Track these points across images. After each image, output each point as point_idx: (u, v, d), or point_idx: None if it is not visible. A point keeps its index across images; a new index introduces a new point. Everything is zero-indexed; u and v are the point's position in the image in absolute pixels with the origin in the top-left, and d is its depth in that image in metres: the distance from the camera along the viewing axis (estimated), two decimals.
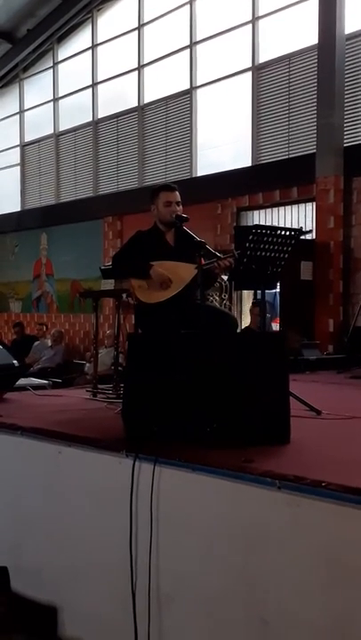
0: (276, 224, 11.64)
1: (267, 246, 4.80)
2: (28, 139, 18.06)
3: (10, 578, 4.40)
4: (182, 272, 4.99)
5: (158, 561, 3.45)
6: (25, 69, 17.94)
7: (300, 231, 5.15)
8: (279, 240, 4.84)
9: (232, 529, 3.19)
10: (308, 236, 10.19)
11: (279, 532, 3.00)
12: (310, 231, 10.47)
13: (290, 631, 2.94)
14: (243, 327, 9.78)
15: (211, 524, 3.28)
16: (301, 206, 11.60)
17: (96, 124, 15.86)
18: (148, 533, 3.45)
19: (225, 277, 5.31)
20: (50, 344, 14.29)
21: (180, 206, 5.19)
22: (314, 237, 10.66)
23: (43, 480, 4.28)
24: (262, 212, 12.28)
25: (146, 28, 14.61)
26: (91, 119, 15.96)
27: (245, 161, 12.45)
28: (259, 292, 5.61)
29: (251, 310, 9.98)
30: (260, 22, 12.27)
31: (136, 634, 3.46)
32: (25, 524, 4.43)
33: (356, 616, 2.73)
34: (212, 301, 9.80)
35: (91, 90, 15.95)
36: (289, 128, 11.81)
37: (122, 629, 3.55)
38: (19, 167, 18.32)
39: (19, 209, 18.21)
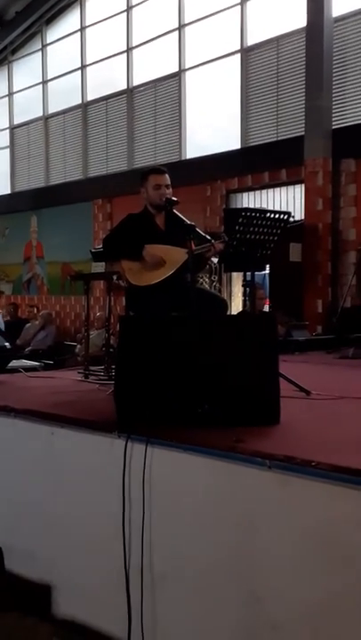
0: (265, 206, 11.66)
1: (256, 229, 4.84)
2: (17, 121, 17.97)
3: (4, 558, 4.45)
4: (173, 256, 5.02)
5: (151, 539, 3.49)
6: (14, 52, 17.81)
7: (288, 214, 5.17)
8: (268, 223, 4.88)
9: (223, 508, 3.23)
10: (297, 218, 10.20)
11: (270, 510, 3.05)
12: (300, 220, 10.50)
13: (282, 607, 2.99)
14: (238, 310, 9.74)
15: (202, 503, 3.32)
16: (290, 188, 11.61)
17: (85, 106, 15.80)
18: (141, 512, 3.49)
19: (215, 260, 5.33)
20: (41, 326, 14.31)
21: (170, 189, 5.21)
22: (303, 219, 10.69)
23: (36, 461, 4.31)
24: (251, 194, 12.29)
25: (134, 11, 14.51)
26: (80, 102, 15.89)
27: (234, 143, 12.42)
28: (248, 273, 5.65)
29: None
30: (249, 4, 12.22)
31: (129, 611, 3.50)
32: (18, 504, 4.46)
33: (346, 592, 2.79)
34: (202, 283, 9.84)
35: (80, 72, 15.86)
36: (278, 110, 11.80)
37: (115, 607, 3.59)
38: (8, 150, 18.24)
39: (8, 191, 18.14)
